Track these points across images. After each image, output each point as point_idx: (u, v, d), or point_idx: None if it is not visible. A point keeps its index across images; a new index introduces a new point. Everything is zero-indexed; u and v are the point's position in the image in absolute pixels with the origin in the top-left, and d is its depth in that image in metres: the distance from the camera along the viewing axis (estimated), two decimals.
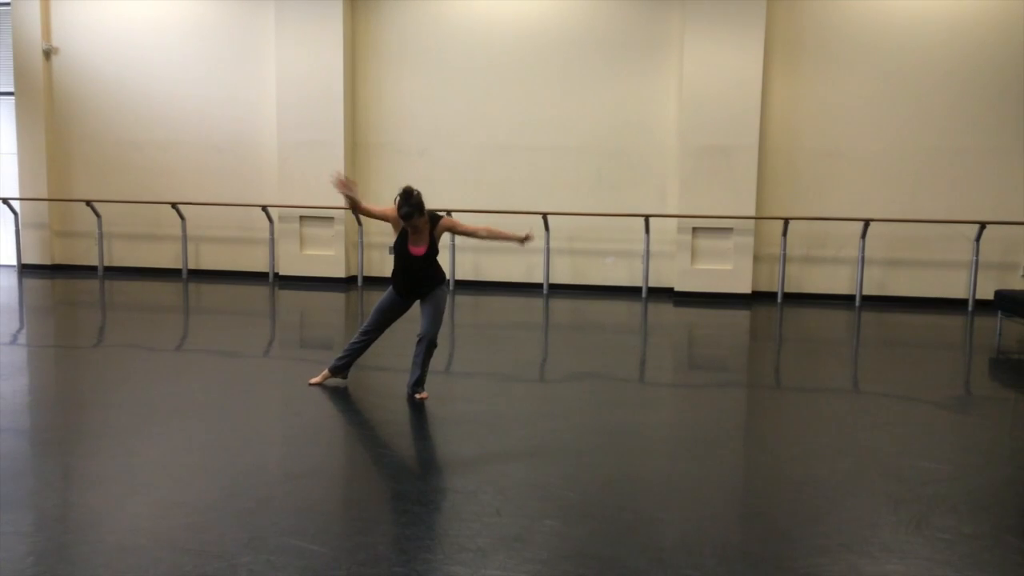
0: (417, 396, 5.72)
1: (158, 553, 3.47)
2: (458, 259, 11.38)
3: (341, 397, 6.15)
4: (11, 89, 12.35)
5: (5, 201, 12.21)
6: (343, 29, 11.18)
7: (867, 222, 10.31)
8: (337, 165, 11.26)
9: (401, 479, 4.33)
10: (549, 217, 10.90)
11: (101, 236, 12.15)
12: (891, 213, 10.46)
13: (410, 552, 3.44)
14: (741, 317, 9.80)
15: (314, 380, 5.99)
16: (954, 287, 10.54)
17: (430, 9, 11.28)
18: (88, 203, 12.04)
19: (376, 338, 5.90)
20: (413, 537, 3.59)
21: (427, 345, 5.66)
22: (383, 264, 11.66)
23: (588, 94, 11.05)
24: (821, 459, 4.73)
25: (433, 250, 5.65)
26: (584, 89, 11.05)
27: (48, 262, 12.49)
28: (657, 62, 10.88)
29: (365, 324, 5.87)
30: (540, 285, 11.16)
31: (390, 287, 5.76)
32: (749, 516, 4.02)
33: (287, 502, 4.00)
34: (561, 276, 11.27)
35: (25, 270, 12.29)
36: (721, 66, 10.43)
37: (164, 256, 11.97)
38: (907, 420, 5.67)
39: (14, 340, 8.08)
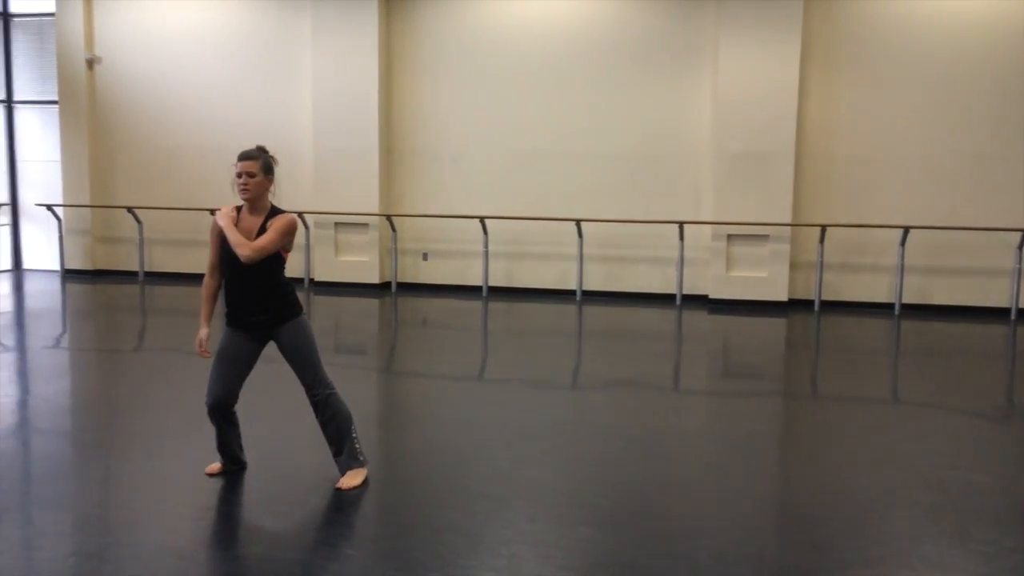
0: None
1: (196, 555, 3.51)
2: (490, 265, 11.39)
3: (374, 401, 6.20)
4: (55, 98, 12.60)
5: (49, 207, 12.45)
6: (378, 36, 11.26)
7: (906, 229, 10.15)
8: (372, 171, 11.34)
9: (435, 484, 4.34)
10: (583, 224, 10.88)
11: (142, 242, 12.35)
12: (931, 220, 10.29)
13: (444, 558, 3.45)
14: (777, 325, 9.70)
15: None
16: (996, 296, 10.33)
17: (464, 16, 11.32)
18: (129, 209, 12.24)
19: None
20: (447, 542, 3.60)
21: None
22: (416, 270, 11.72)
23: (622, 100, 11.02)
24: (860, 469, 4.66)
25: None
26: (618, 95, 11.02)
27: (90, 267, 12.71)
28: (691, 67, 10.83)
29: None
30: (573, 292, 11.13)
31: None
32: (786, 527, 3.97)
33: (322, 506, 4.02)
34: (594, 283, 11.23)
35: (68, 275, 12.52)
36: (756, 71, 10.35)
37: (203, 262, 12.00)
38: (948, 431, 5.57)
39: (57, 344, 8.24)
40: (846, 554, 3.57)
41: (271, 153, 4.13)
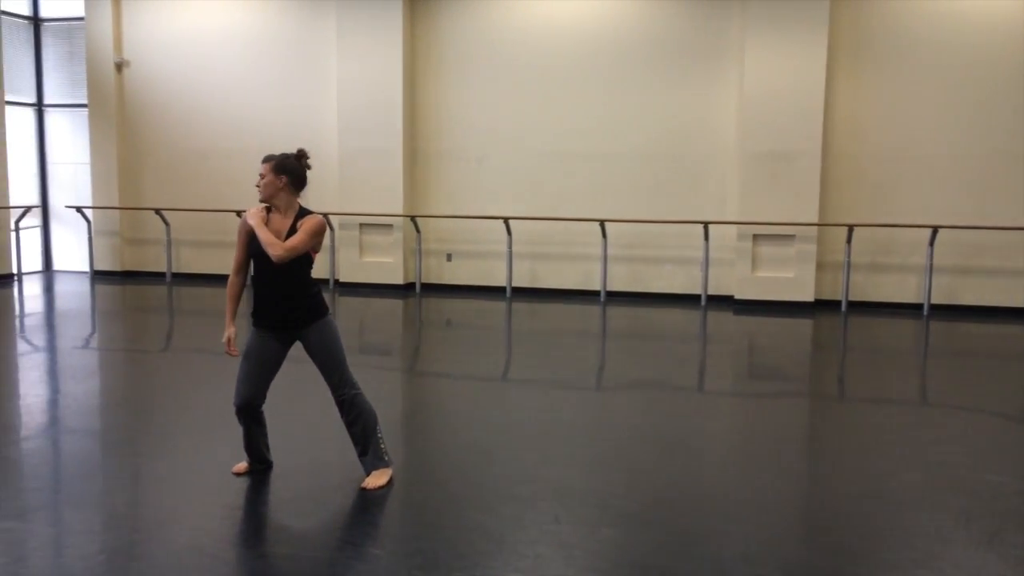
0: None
1: (223, 554, 3.54)
2: (514, 266, 11.38)
3: (398, 402, 6.22)
4: (85, 101, 12.77)
5: (79, 209, 12.62)
6: (402, 37, 11.31)
7: (935, 229, 10.03)
8: (396, 172, 11.39)
9: (459, 484, 4.35)
10: (607, 224, 10.85)
11: (169, 243, 12.48)
12: (960, 219, 10.16)
13: (469, 557, 3.45)
14: (804, 326, 9.62)
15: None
16: None
17: (489, 17, 11.34)
18: (157, 211, 12.38)
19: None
20: (471, 542, 3.60)
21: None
22: (441, 271, 11.75)
23: (646, 100, 10.98)
24: (888, 472, 4.61)
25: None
26: (642, 95, 10.98)
27: (119, 268, 12.86)
28: (716, 65, 10.77)
29: None
30: (597, 292, 11.11)
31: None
32: (814, 530, 3.93)
33: (347, 506, 4.05)
34: (619, 283, 11.20)
35: (97, 276, 12.69)
36: (782, 69, 10.27)
37: (230, 263, 12.19)
38: (978, 433, 5.50)
39: (86, 344, 8.34)
40: (874, 557, 3.53)
41: (307, 156, 4.19)
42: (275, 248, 3.96)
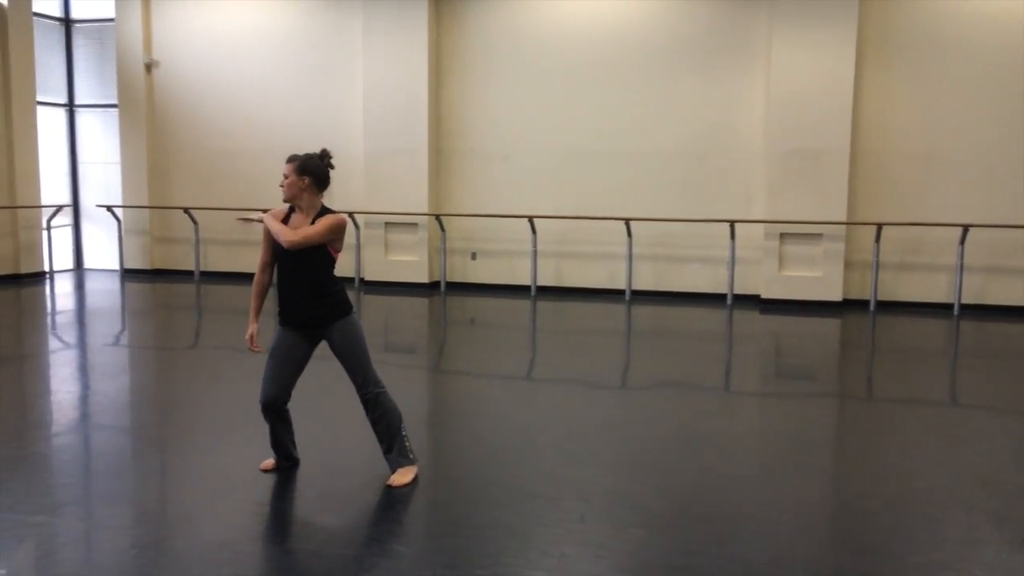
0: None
1: (252, 549, 3.57)
2: (539, 265, 11.38)
3: (423, 400, 6.24)
4: (115, 101, 12.93)
5: (109, 208, 12.78)
6: (428, 37, 11.34)
7: (966, 227, 9.90)
8: (421, 171, 11.43)
9: (484, 483, 4.35)
10: (632, 223, 10.81)
11: (198, 242, 12.60)
12: (991, 218, 10.01)
13: (493, 556, 3.46)
14: (831, 325, 9.53)
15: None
16: None
17: (514, 16, 11.33)
18: (186, 210, 12.50)
19: None
20: (496, 541, 3.61)
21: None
22: (465, 269, 11.77)
23: (672, 98, 10.93)
24: (918, 473, 4.56)
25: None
26: (668, 93, 10.93)
27: (148, 267, 13.01)
28: (743, 63, 10.69)
29: None
30: (622, 291, 11.07)
31: None
32: (842, 531, 3.90)
33: (372, 503, 4.06)
34: (644, 282, 11.16)
35: (127, 274, 12.84)
36: (810, 67, 10.18)
37: (256, 261, 12.30)
38: (1008, 434, 5.42)
39: (116, 341, 8.45)
40: (903, 559, 3.49)
41: (330, 156, 4.23)
42: (285, 235, 4.03)
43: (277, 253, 4.19)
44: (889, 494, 4.23)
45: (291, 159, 4.16)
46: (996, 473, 4.54)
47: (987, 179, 10.10)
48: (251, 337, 4.27)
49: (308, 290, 4.17)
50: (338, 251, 4.20)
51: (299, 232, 4.04)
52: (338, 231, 4.11)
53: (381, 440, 4.25)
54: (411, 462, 4.26)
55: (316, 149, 4.24)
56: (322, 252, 4.12)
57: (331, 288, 4.21)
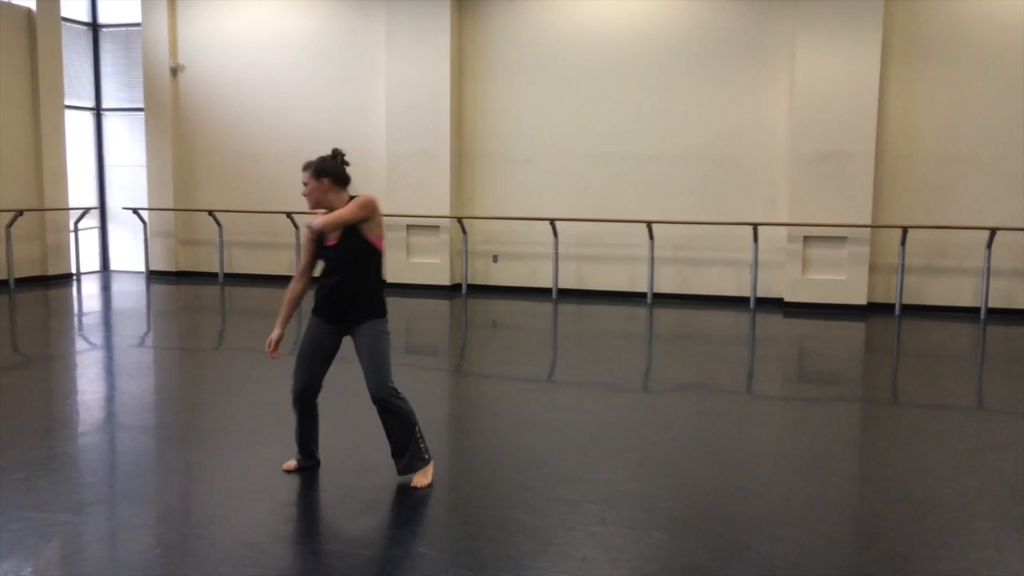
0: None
1: (276, 550, 3.60)
2: (561, 267, 11.37)
3: (444, 402, 6.25)
4: (141, 105, 13.07)
5: (135, 211, 12.92)
6: (450, 40, 11.37)
7: (993, 231, 9.78)
8: (443, 174, 11.47)
9: (505, 485, 4.36)
10: (654, 226, 10.78)
11: (222, 244, 12.71)
12: (1019, 221, 9.88)
13: (515, 559, 3.46)
14: (855, 329, 9.44)
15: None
16: None
17: (536, 19, 11.34)
18: (210, 213, 12.61)
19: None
20: (518, 543, 3.61)
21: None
22: (487, 272, 11.78)
23: (694, 100, 10.89)
24: (943, 479, 4.51)
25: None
26: (691, 95, 10.89)
27: (173, 268, 13.14)
28: (767, 65, 10.63)
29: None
30: (644, 294, 11.04)
31: None
32: (866, 537, 3.86)
33: (394, 505, 4.08)
34: (666, 285, 11.12)
35: (152, 276, 12.97)
36: (835, 69, 10.10)
37: (280, 263, 12.43)
38: None
39: (142, 342, 8.53)
40: (928, 566, 3.45)
41: (343, 154, 4.24)
42: (316, 221, 4.00)
43: (325, 254, 4.18)
44: (915, 499, 4.19)
45: (306, 166, 4.17)
46: (1023, 478, 4.48)
47: (1015, 182, 9.97)
48: (273, 342, 4.28)
49: (355, 291, 4.19)
50: (381, 239, 4.20)
51: (329, 216, 4.02)
52: (369, 208, 4.08)
53: (391, 443, 4.26)
54: (426, 462, 4.26)
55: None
56: (368, 251, 4.14)
57: (377, 290, 4.27)
